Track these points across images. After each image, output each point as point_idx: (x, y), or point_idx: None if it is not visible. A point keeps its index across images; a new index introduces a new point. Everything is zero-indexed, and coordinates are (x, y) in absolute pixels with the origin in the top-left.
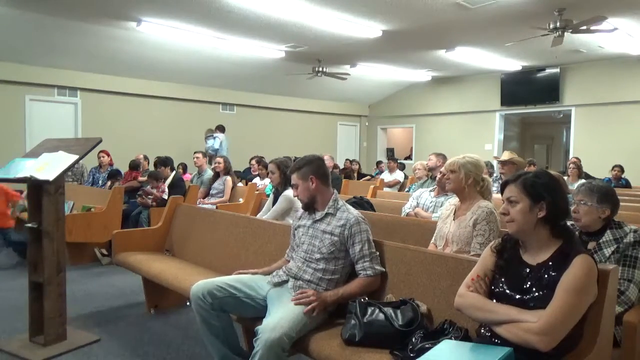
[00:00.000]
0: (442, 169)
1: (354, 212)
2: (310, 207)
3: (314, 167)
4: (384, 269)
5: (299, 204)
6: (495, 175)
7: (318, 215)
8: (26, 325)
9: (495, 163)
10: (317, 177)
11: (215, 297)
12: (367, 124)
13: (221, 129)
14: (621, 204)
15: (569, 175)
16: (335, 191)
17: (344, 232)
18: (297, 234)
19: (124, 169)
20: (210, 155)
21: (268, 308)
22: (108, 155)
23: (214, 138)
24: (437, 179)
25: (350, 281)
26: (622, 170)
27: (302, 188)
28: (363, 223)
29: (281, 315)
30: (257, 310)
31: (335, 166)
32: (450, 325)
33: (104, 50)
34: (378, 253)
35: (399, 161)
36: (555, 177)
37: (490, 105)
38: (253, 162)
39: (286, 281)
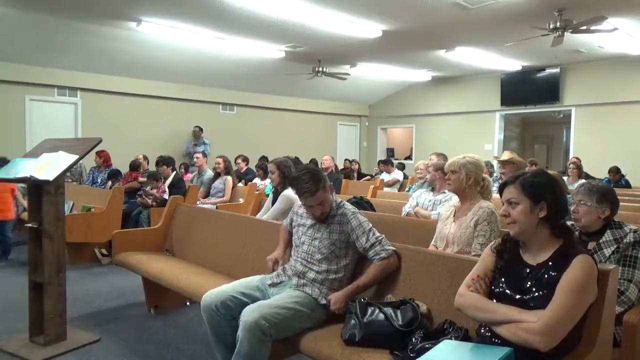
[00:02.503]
0: (430, 168)
1: (349, 207)
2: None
3: (326, 179)
4: (395, 248)
5: (298, 203)
6: (495, 175)
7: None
8: (26, 325)
9: (495, 163)
10: (329, 189)
11: (228, 307)
12: (367, 124)
13: (202, 130)
14: (621, 204)
15: (569, 176)
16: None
17: (343, 229)
18: (297, 234)
19: (124, 169)
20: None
21: None
22: (101, 157)
23: (204, 144)
24: (427, 177)
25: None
26: (618, 171)
27: (328, 200)
28: (359, 214)
29: (267, 302)
30: None
31: (336, 168)
32: (450, 325)
33: (104, 50)
34: (384, 235)
35: (399, 161)
36: (553, 176)
37: (490, 105)
38: (239, 160)
39: (288, 281)
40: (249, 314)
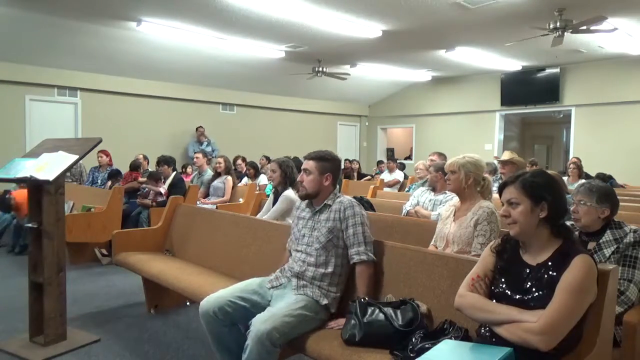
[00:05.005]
0: (430, 169)
1: (349, 197)
2: (309, 198)
3: (335, 166)
4: (376, 259)
5: (298, 204)
6: (495, 175)
7: (317, 206)
8: (26, 325)
9: (496, 163)
10: (332, 176)
11: (227, 312)
12: (367, 124)
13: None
14: (621, 204)
15: (569, 176)
16: (337, 186)
17: (338, 216)
18: (297, 227)
19: (123, 169)
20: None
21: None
22: (107, 155)
23: (210, 144)
24: (428, 177)
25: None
26: (604, 179)
27: (313, 178)
28: (357, 206)
29: (275, 310)
30: None
31: None
32: (450, 325)
33: (104, 50)
34: (373, 239)
35: (399, 161)
36: (553, 177)
37: (490, 105)
38: (239, 161)
39: (287, 282)
40: (260, 324)
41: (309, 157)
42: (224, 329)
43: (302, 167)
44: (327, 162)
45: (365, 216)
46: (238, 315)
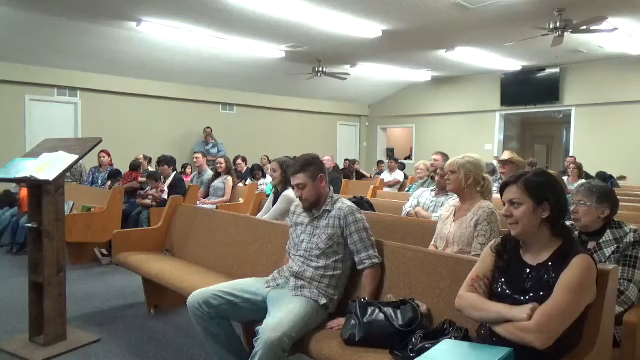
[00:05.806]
0: (439, 170)
1: (348, 202)
2: (314, 207)
3: (320, 165)
4: (380, 259)
5: (296, 203)
6: (496, 175)
7: (316, 212)
8: (26, 325)
9: (495, 163)
10: (324, 175)
11: (212, 305)
12: (367, 124)
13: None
14: (621, 204)
15: (569, 176)
16: (331, 187)
17: (339, 223)
18: (296, 232)
19: (123, 169)
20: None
21: (268, 309)
22: (109, 155)
23: (216, 146)
24: (436, 180)
25: (355, 280)
26: (604, 179)
27: (311, 188)
28: (357, 213)
29: (282, 315)
30: (257, 313)
31: (336, 167)
32: (450, 325)
33: (104, 50)
34: (375, 242)
35: (399, 161)
36: (555, 177)
37: (490, 105)
38: (239, 161)
39: (285, 283)
40: (270, 331)
41: (294, 172)
42: (211, 321)
43: (292, 185)
44: (312, 165)
45: (365, 220)
46: (226, 309)
